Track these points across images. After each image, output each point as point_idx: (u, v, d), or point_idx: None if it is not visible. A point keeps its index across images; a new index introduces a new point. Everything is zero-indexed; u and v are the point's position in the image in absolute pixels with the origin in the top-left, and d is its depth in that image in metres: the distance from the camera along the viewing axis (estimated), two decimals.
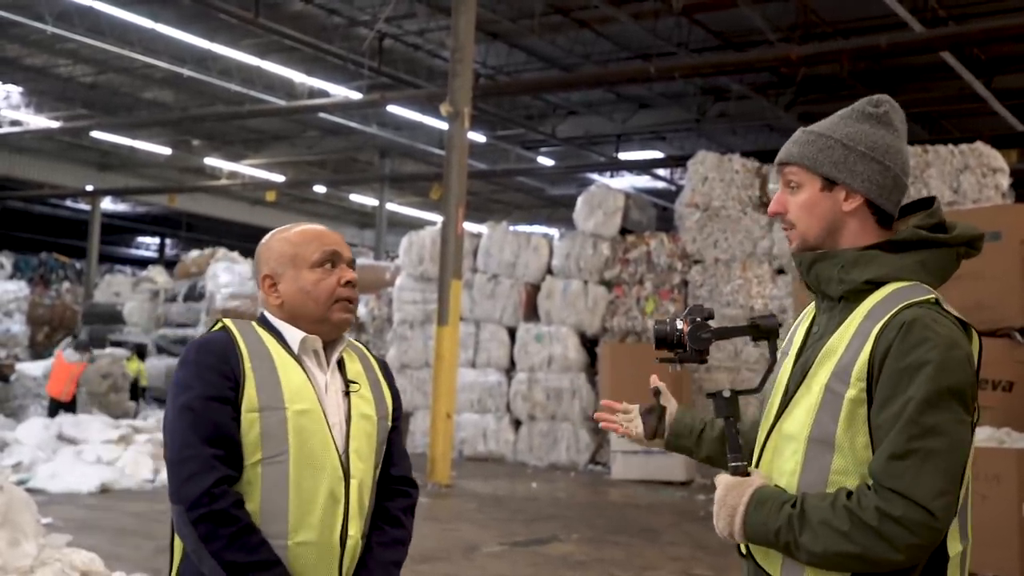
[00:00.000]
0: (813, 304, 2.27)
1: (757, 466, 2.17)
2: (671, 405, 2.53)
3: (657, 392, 2.53)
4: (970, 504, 2.08)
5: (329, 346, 2.43)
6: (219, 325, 2.39)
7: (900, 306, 2.00)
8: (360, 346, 2.57)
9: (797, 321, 2.32)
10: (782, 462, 2.10)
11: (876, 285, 2.07)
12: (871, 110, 2.17)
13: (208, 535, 2.18)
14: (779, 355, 2.29)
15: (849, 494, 1.96)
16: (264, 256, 2.45)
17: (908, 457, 1.91)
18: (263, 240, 2.50)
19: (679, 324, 2.26)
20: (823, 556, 1.95)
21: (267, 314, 2.43)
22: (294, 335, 2.37)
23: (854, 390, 1.99)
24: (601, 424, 2.59)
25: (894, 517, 1.89)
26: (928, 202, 2.18)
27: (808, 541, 1.96)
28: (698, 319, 2.26)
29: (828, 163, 2.13)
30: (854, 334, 2.03)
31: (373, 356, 2.59)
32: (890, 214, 2.15)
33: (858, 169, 2.11)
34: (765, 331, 2.27)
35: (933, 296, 2.04)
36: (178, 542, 2.32)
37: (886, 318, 1.99)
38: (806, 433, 2.05)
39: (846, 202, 2.13)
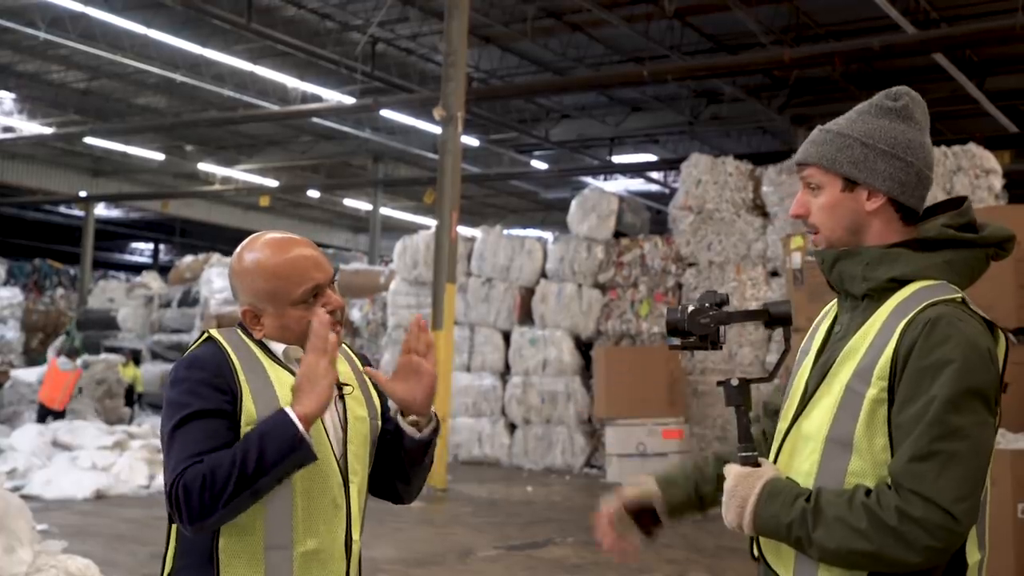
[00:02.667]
0: (833, 303, 2.23)
1: (775, 461, 2.12)
2: (651, 490, 2.39)
3: (630, 504, 2.42)
4: (988, 513, 2.04)
5: None
6: (204, 337, 2.32)
7: (925, 304, 1.95)
8: (342, 344, 2.50)
9: (818, 320, 2.26)
10: (799, 462, 2.05)
11: (900, 284, 2.02)
12: (890, 104, 2.11)
13: (204, 510, 2.09)
14: (799, 354, 2.23)
15: (868, 492, 1.92)
16: (240, 286, 2.32)
17: (930, 459, 1.86)
18: (236, 263, 2.34)
19: (689, 310, 2.19)
20: (836, 553, 1.91)
21: (251, 332, 2.35)
22: (276, 346, 2.32)
23: (875, 389, 1.94)
24: (609, 550, 2.39)
25: (914, 518, 1.85)
26: (959, 202, 2.12)
27: (822, 537, 1.91)
28: (705, 304, 2.18)
29: (848, 163, 2.07)
30: (877, 333, 1.99)
31: (355, 354, 2.55)
32: (915, 210, 2.10)
33: (879, 168, 2.06)
34: (776, 317, 2.20)
35: (959, 295, 1.99)
36: (170, 552, 2.27)
37: (910, 315, 1.94)
38: (824, 433, 2.00)
39: (869, 202, 2.07)
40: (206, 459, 2.11)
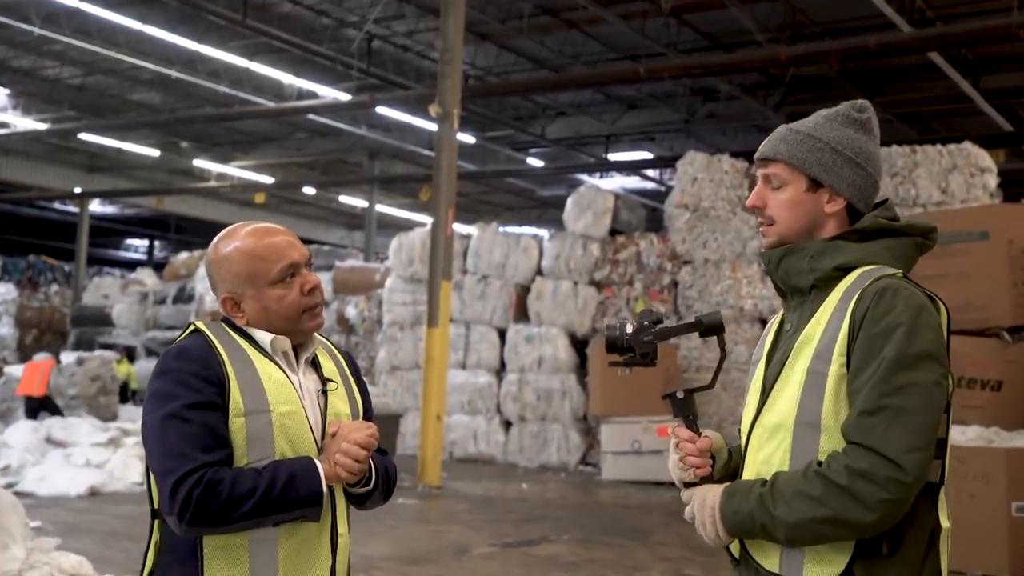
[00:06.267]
0: (776, 317, 2.31)
1: (743, 463, 2.20)
2: (721, 446, 2.37)
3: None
4: (949, 486, 2.09)
5: (299, 346, 2.38)
6: (191, 329, 2.33)
7: (872, 279, 2.06)
8: (326, 342, 2.52)
9: (765, 331, 2.34)
10: (768, 454, 2.11)
11: (845, 271, 2.12)
12: (856, 115, 2.22)
13: (212, 517, 2.12)
14: (751, 365, 2.31)
15: (820, 463, 1.99)
16: (218, 275, 2.34)
17: (879, 413, 1.94)
18: (211, 253, 2.37)
19: (628, 328, 2.26)
20: (797, 526, 1.97)
21: (233, 320, 2.36)
22: (263, 336, 2.32)
23: (835, 366, 2.02)
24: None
25: (861, 471, 1.91)
26: (882, 201, 2.25)
27: (783, 513, 1.98)
28: (645, 323, 2.26)
29: (816, 165, 2.17)
30: (830, 316, 2.07)
31: (339, 351, 2.56)
32: (862, 215, 2.21)
33: (844, 173, 2.17)
34: (709, 326, 2.27)
35: (900, 272, 2.11)
36: (153, 548, 2.26)
37: (860, 291, 2.04)
38: (792, 420, 2.06)
39: (829, 204, 2.18)
40: (230, 471, 2.14)
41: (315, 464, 2.20)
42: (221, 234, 2.40)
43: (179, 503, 2.10)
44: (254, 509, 2.12)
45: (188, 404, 2.16)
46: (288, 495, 2.15)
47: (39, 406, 15.76)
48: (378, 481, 2.44)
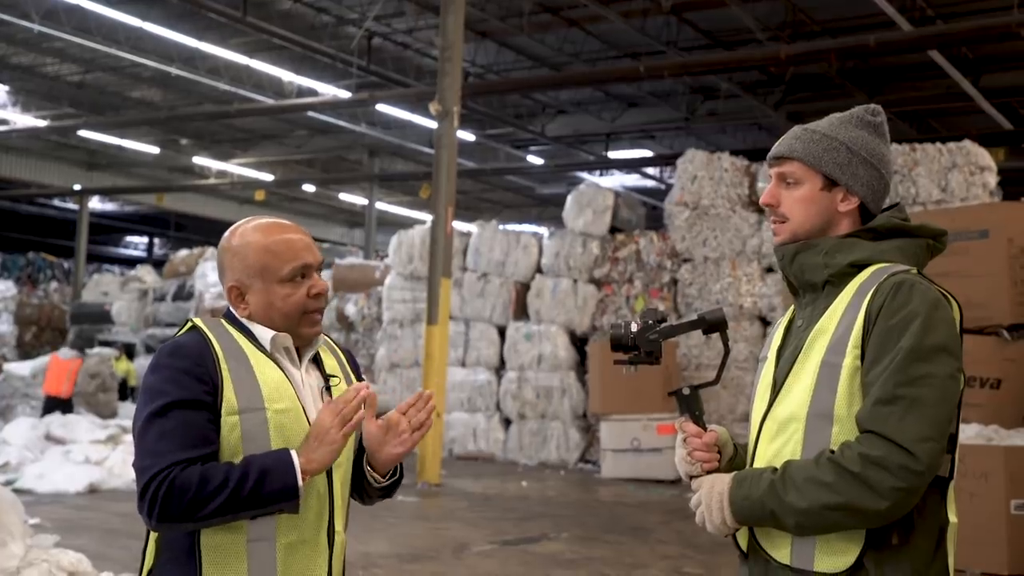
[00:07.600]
0: (788, 312, 2.34)
1: (754, 456, 2.21)
2: (726, 439, 2.38)
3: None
4: (954, 484, 2.10)
5: (303, 344, 2.38)
6: (189, 326, 2.33)
7: (888, 275, 2.10)
8: (327, 338, 2.51)
9: (772, 330, 2.37)
10: (780, 446, 2.13)
11: (859, 268, 2.16)
12: (870, 118, 2.28)
13: (179, 515, 2.10)
14: (759, 362, 2.34)
15: (833, 451, 2.01)
16: (229, 263, 2.34)
17: (894, 403, 1.96)
18: (227, 240, 2.37)
19: (633, 327, 2.29)
20: (808, 512, 1.98)
21: (234, 311, 2.36)
22: (264, 333, 2.31)
23: (850, 358, 2.05)
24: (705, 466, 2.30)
25: (874, 459, 1.93)
26: (893, 204, 2.30)
27: (795, 499, 1.99)
28: (649, 321, 2.29)
29: (832, 164, 2.21)
30: (845, 309, 2.10)
31: (340, 348, 2.55)
32: (872, 216, 2.26)
33: (859, 173, 2.22)
34: (712, 323, 2.29)
35: (915, 269, 2.16)
36: (151, 548, 2.25)
37: (876, 285, 2.08)
38: (805, 411, 2.08)
39: (843, 203, 2.22)
40: (199, 468, 2.11)
41: (290, 456, 2.15)
42: (240, 223, 2.40)
43: (147, 501, 2.11)
44: (224, 506, 2.09)
45: (173, 401, 2.16)
46: (261, 490, 2.11)
47: (58, 406, 15.64)
48: (401, 471, 2.46)
